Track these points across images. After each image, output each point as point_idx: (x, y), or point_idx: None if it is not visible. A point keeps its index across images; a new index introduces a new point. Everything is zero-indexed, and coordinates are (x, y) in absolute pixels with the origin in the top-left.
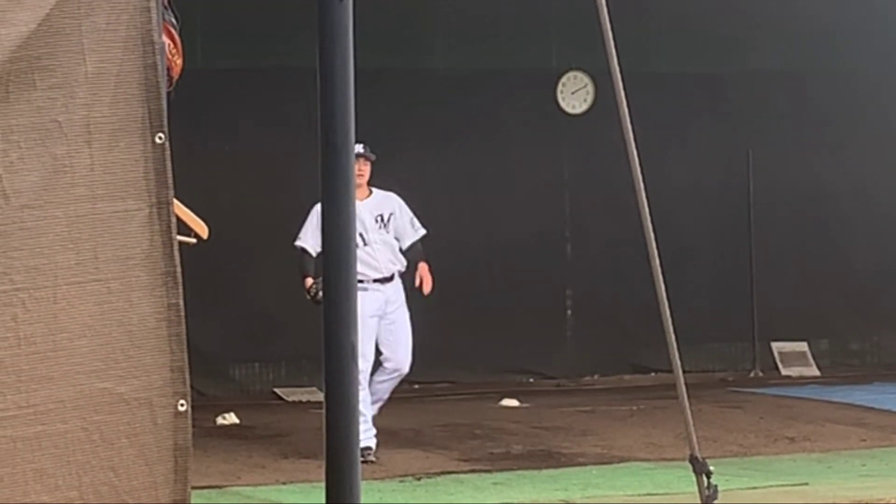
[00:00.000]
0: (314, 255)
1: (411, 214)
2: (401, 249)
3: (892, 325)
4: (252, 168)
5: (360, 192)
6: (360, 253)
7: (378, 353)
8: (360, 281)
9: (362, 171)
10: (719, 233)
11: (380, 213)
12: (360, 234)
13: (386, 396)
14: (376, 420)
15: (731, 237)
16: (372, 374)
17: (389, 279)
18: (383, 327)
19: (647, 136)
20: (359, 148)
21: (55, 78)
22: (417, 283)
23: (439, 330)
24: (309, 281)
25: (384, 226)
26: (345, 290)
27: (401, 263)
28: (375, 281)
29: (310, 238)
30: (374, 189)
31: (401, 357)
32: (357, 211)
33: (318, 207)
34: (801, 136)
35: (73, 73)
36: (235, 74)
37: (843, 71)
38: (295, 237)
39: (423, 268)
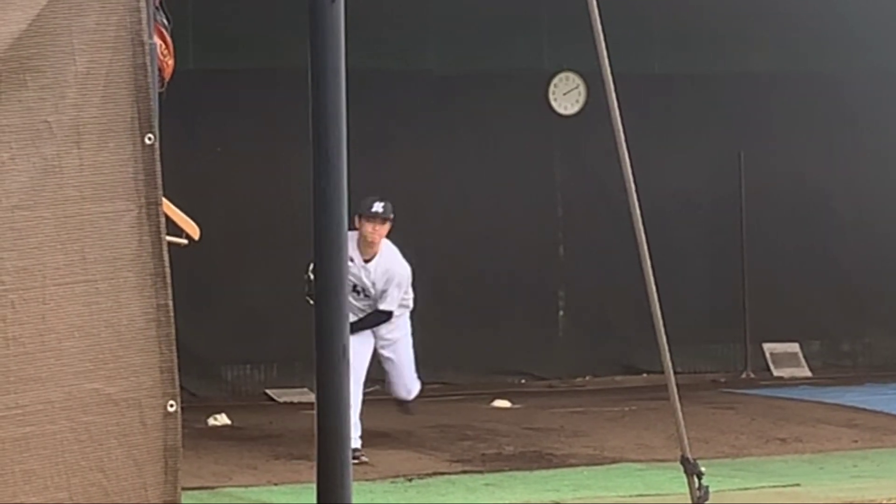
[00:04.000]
0: None
1: (394, 289)
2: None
3: (883, 326)
4: (243, 169)
5: (370, 250)
6: (356, 298)
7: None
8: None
9: (377, 230)
10: (711, 234)
11: (374, 281)
12: (362, 289)
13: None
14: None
15: (722, 238)
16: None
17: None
18: (380, 354)
19: (639, 137)
20: (377, 207)
21: (45, 78)
22: None
23: (431, 331)
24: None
25: (379, 295)
26: (336, 292)
27: (402, 308)
28: None
29: None
30: (385, 250)
31: (398, 388)
32: (357, 267)
33: None
34: (792, 138)
35: (63, 73)
36: (227, 75)
37: (835, 72)
38: None
39: None
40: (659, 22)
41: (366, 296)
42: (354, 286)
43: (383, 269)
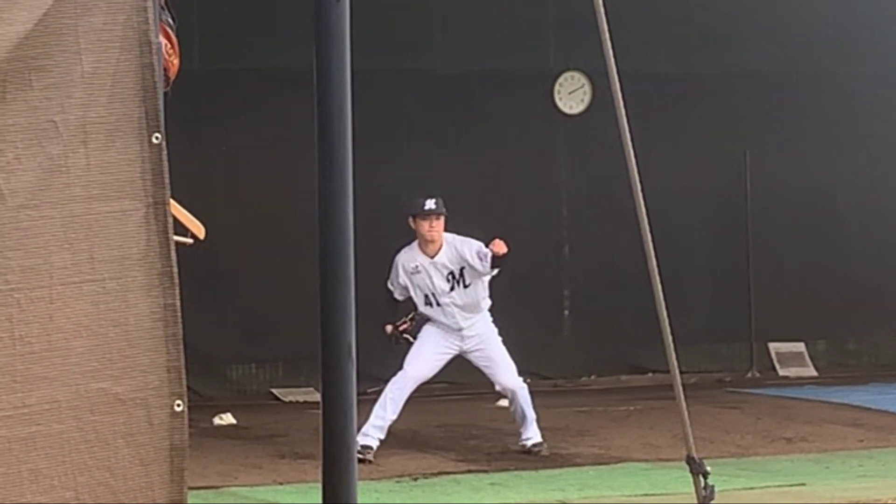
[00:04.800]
0: (400, 299)
1: (478, 247)
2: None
3: (889, 325)
4: (249, 169)
5: (431, 248)
6: (432, 311)
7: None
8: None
9: (434, 227)
10: (716, 233)
11: (450, 270)
12: (432, 294)
13: (528, 414)
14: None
15: (728, 238)
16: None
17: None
18: (474, 359)
19: (644, 137)
20: (430, 204)
21: (51, 78)
22: (491, 246)
23: None
24: (388, 329)
25: (457, 282)
26: (341, 290)
27: (479, 310)
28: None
29: (397, 286)
30: (446, 240)
31: (505, 378)
32: (426, 269)
33: (398, 257)
34: (798, 137)
35: (70, 72)
36: (232, 74)
37: (840, 71)
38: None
39: (497, 241)
40: (665, 21)
41: (438, 301)
42: (426, 297)
43: (458, 249)
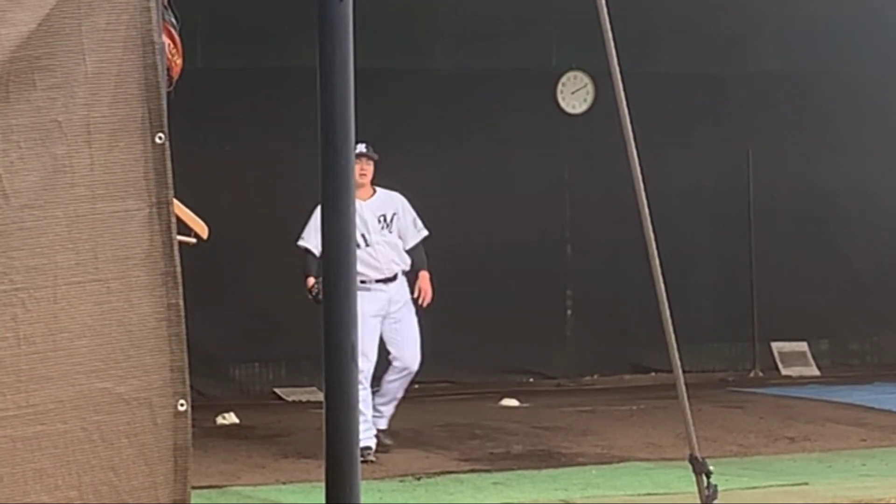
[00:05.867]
0: (317, 254)
1: (414, 215)
2: (405, 249)
3: (892, 324)
4: (252, 168)
5: (362, 192)
6: (362, 254)
7: (387, 352)
8: (363, 281)
9: (364, 170)
10: (719, 233)
11: (382, 213)
12: (363, 235)
13: (399, 395)
14: (393, 419)
15: (731, 237)
16: (382, 373)
17: (392, 279)
18: (388, 326)
19: (647, 136)
20: (360, 147)
21: (55, 78)
22: (416, 294)
23: (439, 330)
24: (311, 281)
25: (387, 226)
26: (345, 290)
27: (404, 263)
28: (378, 281)
29: (313, 238)
30: (378, 189)
31: (408, 356)
32: (359, 211)
33: (319, 208)
34: (801, 136)
35: (73, 73)
36: (235, 74)
37: (843, 71)
38: (297, 237)
39: (422, 278)
40: (667, 21)
41: (368, 241)
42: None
43: (387, 197)
